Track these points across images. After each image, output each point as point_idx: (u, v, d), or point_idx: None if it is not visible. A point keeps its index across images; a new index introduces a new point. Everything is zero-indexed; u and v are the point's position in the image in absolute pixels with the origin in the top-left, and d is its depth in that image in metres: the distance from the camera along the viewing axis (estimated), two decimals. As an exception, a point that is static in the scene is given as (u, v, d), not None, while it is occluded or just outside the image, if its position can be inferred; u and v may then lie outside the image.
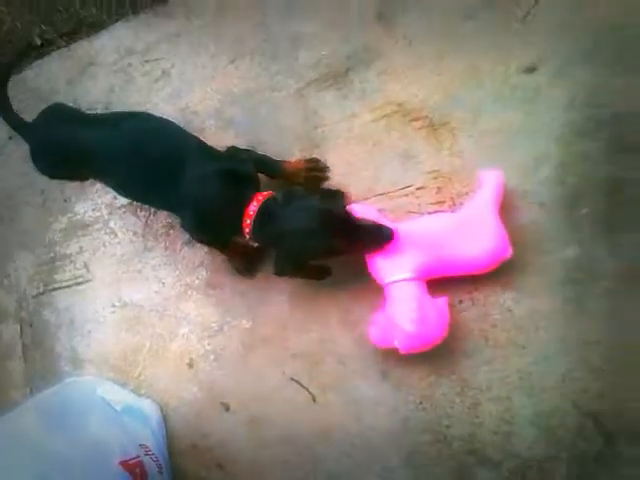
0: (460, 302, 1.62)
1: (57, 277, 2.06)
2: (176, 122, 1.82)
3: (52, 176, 1.91)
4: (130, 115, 1.76)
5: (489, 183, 1.59)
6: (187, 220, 1.69)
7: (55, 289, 2.06)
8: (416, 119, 1.74)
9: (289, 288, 1.78)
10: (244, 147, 1.82)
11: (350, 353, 1.70)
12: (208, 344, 1.84)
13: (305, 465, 1.71)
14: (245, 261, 1.83)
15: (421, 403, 1.61)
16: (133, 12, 2.23)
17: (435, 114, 1.74)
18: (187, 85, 2.02)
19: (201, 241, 1.82)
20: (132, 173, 1.67)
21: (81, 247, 2.04)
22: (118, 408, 1.80)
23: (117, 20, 2.24)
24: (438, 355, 1.61)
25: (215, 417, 1.80)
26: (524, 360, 1.56)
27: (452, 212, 1.66)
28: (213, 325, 1.85)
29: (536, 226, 1.60)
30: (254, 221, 1.56)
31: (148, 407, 1.84)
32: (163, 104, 2.04)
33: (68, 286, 2.04)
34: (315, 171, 1.82)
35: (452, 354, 1.61)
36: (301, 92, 1.88)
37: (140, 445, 1.71)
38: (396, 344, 1.54)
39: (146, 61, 2.09)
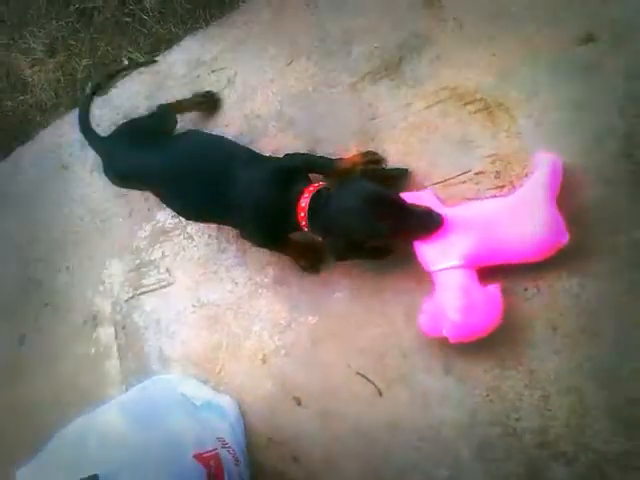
0: (525, 290, 1.53)
1: (144, 282, 2.18)
2: (242, 127, 1.91)
3: (121, 187, 2.07)
4: (180, 135, 1.87)
5: (544, 165, 1.49)
6: (245, 224, 1.74)
7: (143, 293, 2.18)
8: (471, 102, 1.68)
9: (351, 284, 1.77)
10: (303, 149, 1.85)
11: (413, 346, 1.66)
12: (278, 340, 1.87)
13: (376, 458, 1.69)
14: (309, 259, 1.83)
15: (488, 395, 1.54)
16: (205, 25, 2.35)
17: (490, 96, 1.66)
18: (250, 90, 2.07)
19: (263, 245, 1.83)
20: (186, 192, 1.75)
21: (163, 252, 2.15)
22: (198, 404, 1.87)
23: (187, 34, 2.34)
24: (502, 346, 1.55)
25: (288, 411, 1.83)
26: (595, 348, 1.45)
27: (504, 196, 1.56)
28: (282, 322, 1.88)
29: (602, 205, 1.49)
30: (308, 212, 1.59)
31: (227, 403, 1.90)
32: (230, 111, 2.10)
33: (153, 290, 2.16)
34: (371, 163, 1.78)
35: (517, 345, 1.53)
36: (355, 86, 1.87)
37: (217, 438, 1.76)
38: (444, 333, 1.49)
39: (213, 71, 2.16)
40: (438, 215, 1.50)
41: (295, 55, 2.01)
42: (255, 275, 1.95)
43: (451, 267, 1.49)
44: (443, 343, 1.58)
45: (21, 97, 2.86)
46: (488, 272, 1.51)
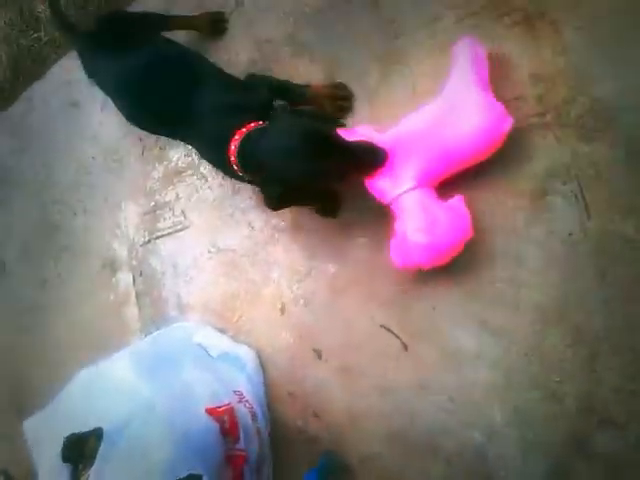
0: (570, 235, 1.28)
1: (159, 225, 2.01)
2: (252, 54, 1.69)
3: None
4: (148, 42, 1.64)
5: (464, 53, 1.35)
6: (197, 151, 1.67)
7: (158, 237, 2.01)
8: (508, 13, 1.40)
9: (374, 230, 1.54)
10: (320, 75, 1.62)
11: (443, 298, 1.45)
12: (297, 288, 1.69)
13: (402, 418, 1.50)
14: (324, 205, 1.61)
15: (526, 355, 1.33)
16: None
17: (531, 4, 1.37)
18: (260, 13, 1.81)
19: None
20: (146, 101, 1.58)
21: (177, 194, 1.95)
22: (214, 354, 1.74)
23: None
24: (544, 300, 1.31)
25: (308, 364, 1.66)
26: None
27: (431, 102, 1.39)
28: (301, 269, 1.69)
29: None
30: (237, 155, 1.40)
31: (245, 353, 1.74)
32: (239, 36, 1.84)
33: (169, 234, 1.98)
34: (339, 100, 1.58)
35: (561, 298, 1.29)
36: (377, 2, 1.58)
37: (234, 391, 1.63)
38: (416, 260, 1.33)
39: (219, -8, 1.93)
40: (380, 149, 1.37)
41: (309, -31, 1.76)
42: (272, 218, 1.74)
43: (406, 191, 1.36)
44: (478, 294, 1.39)
45: (34, 34, 2.65)
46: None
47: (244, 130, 1.41)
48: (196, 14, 1.91)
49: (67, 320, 2.26)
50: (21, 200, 2.48)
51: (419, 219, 1.33)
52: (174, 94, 1.53)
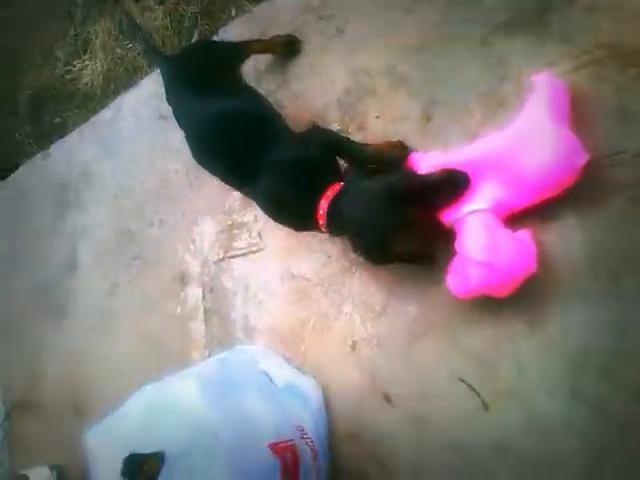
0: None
1: (235, 244, 1.92)
2: (347, 84, 1.61)
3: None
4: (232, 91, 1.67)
5: (540, 87, 1.28)
6: (266, 212, 1.62)
7: (233, 256, 1.93)
8: (636, 65, 1.24)
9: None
10: (416, 111, 1.51)
11: (533, 359, 1.29)
12: (371, 327, 1.56)
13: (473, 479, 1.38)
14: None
15: (624, 431, 1.16)
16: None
17: (665, 56, 1.24)
18: (360, 42, 1.70)
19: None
20: (218, 154, 1.60)
21: (256, 216, 1.86)
22: (279, 384, 1.62)
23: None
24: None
25: (376, 408, 1.52)
26: None
27: (505, 128, 1.31)
28: (377, 307, 1.56)
29: None
30: (327, 219, 1.40)
31: (310, 387, 1.62)
32: (335, 64, 1.75)
33: (244, 254, 1.89)
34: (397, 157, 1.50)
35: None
36: (486, 40, 1.46)
37: (296, 427, 1.51)
38: (472, 283, 1.26)
39: (320, 18, 1.80)
40: (461, 174, 1.31)
41: (416, 2, 1.61)
42: (350, 250, 1.58)
43: (474, 211, 1.30)
44: (572, 359, 1.23)
45: (129, 45, 2.66)
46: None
47: (329, 194, 1.41)
48: (269, 38, 1.89)
49: (133, 327, 2.20)
50: (99, 204, 2.46)
51: (482, 238, 1.26)
52: (243, 149, 1.54)
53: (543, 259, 1.27)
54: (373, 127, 1.65)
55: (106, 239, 2.40)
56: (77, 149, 2.68)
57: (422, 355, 1.47)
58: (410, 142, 1.56)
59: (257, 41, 1.90)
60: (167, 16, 2.53)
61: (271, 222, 1.80)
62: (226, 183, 1.73)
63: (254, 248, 1.88)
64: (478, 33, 1.48)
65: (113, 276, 2.33)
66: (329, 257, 1.69)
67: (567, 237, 1.29)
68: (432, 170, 1.38)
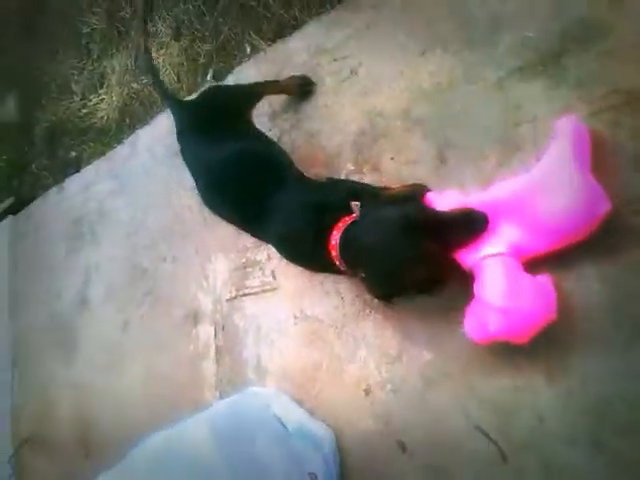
0: None
1: (247, 283, 1.90)
2: (362, 125, 1.61)
3: None
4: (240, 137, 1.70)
5: (564, 132, 1.26)
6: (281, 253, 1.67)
7: (245, 295, 1.91)
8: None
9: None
10: (431, 153, 1.51)
11: (552, 410, 1.25)
12: (386, 372, 1.53)
13: (490, 532, 1.35)
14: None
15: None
16: (331, 8, 1.98)
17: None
18: (374, 83, 1.71)
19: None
20: (228, 198, 1.63)
21: (269, 255, 1.84)
22: (290, 429, 1.57)
23: (311, 19, 2.00)
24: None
25: (391, 456, 1.48)
26: None
27: (528, 173, 1.29)
28: (391, 351, 1.52)
29: None
30: (339, 250, 1.39)
31: (322, 432, 1.58)
32: (349, 106, 1.75)
33: (256, 293, 1.87)
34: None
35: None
36: (501, 84, 1.45)
37: (308, 474, 1.46)
38: (491, 329, 1.23)
39: (334, 60, 1.81)
40: (480, 214, 1.29)
41: (430, 44, 1.62)
42: (364, 292, 1.59)
43: (493, 254, 1.27)
44: (593, 411, 1.20)
45: (145, 80, 2.69)
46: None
47: (341, 225, 1.41)
48: (283, 79, 1.92)
49: (144, 364, 2.19)
50: (113, 240, 2.47)
51: (502, 283, 1.23)
52: (254, 193, 1.56)
53: (562, 306, 1.24)
54: (387, 168, 1.65)
55: (119, 275, 2.40)
56: (92, 184, 2.71)
57: (437, 402, 1.43)
58: (425, 178, 1.55)
59: (272, 82, 1.92)
60: (183, 53, 2.57)
61: (284, 261, 1.81)
62: (238, 227, 1.78)
63: (267, 287, 1.86)
64: (493, 77, 1.48)
65: (125, 312, 2.32)
66: (342, 299, 1.66)
67: (586, 285, 1.26)
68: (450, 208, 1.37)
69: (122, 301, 2.36)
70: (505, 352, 1.32)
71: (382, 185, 1.60)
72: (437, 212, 1.35)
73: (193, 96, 2.34)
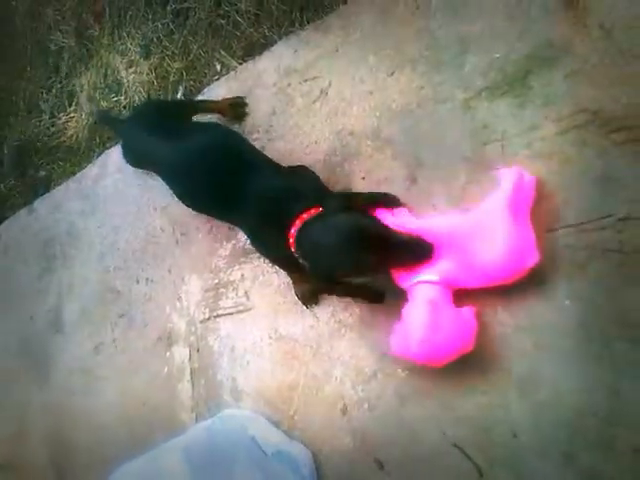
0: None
1: (221, 304, 1.88)
2: (332, 144, 1.63)
3: (137, 167, 2.02)
4: (201, 129, 1.74)
5: (506, 182, 1.31)
6: (247, 234, 1.64)
7: (219, 315, 1.88)
8: (617, 130, 1.26)
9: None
10: (402, 172, 1.52)
11: (527, 425, 1.27)
12: (362, 390, 1.52)
13: None
14: (310, 288, 1.61)
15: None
16: (301, 28, 2.00)
17: (645, 123, 1.27)
18: (345, 104, 1.71)
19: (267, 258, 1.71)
20: (197, 186, 1.60)
21: (242, 274, 1.83)
22: (269, 452, 1.56)
23: (281, 38, 2.00)
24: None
25: (369, 475, 1.48)
26: None
27: (470, 211, 1.36)
28: (367, 370, 1.53)
29: None
30: (295, 239, 1.41)
31: (300, 453, 1.57)
32: (320, 125, 1.75)
33: (230, 314, 1.85)
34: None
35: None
36: (469, 103, 1.47)
37: (288, 498, 1.52)
38: (411, 353, 1.33)
39: (305, 80, 1.81)
40: (427, 244, 1.34)
41: (399, 65, 1.63)
42: (339, 312, 1.60)
43: (425, 281, 1.34)
44: (565, 424, 1.21)
45: (115, 98, 2.64)
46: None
47: (305, 216, 1.42)
48: (219, 100, 1.99)
49: (118, 387, 2.14)
50: (85, 261, 2.41)
51: (426, 314, 1.30)
52: (226, 178, 1.54)
53: (531, 323, 1.27)
54: (358, 188, 1.65)
55: (92, 297, 2.34)
56: (62, 204, 2.65)
57: (413, 419, 1.43)
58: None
59: (209, 101, 1.99)
60: (152, 71, 2.53)
61: (259, 281, 1.81)
62: (213, 216, 1.78)
63: (241, 307, 1.84)
64: (461, 97, 1.50)
65: (98, 334, 2.27)
66: (317, 318, 1.66)
67: (557, 301, 1.27)
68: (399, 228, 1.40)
69: (95, 323, 2.30)
70: (479, 368, 1.33)
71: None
72: (388, 230, 1.37)
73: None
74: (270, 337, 1.75)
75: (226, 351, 1.85)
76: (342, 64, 1.75)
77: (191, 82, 2.37)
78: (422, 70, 1.58)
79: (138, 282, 2.16)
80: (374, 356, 1.53)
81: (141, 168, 2.02)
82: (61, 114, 2.97)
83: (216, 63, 2.31)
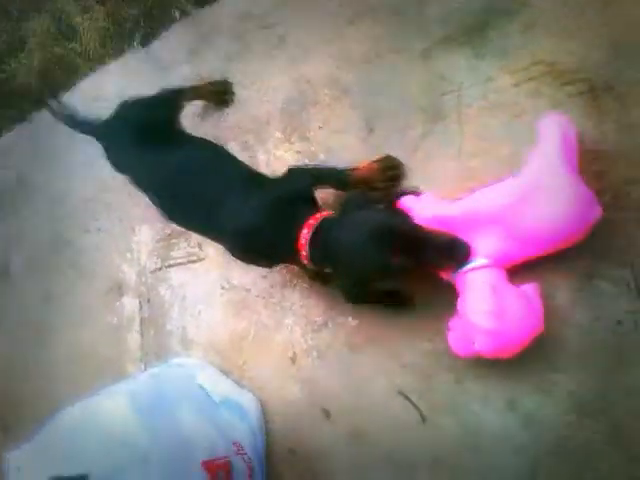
0: (618, 323, 1.12)
1: (173, 254, 1.83)
2: (290, 92, 1.58)
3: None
4: (185, 141, 1.56)
5: (552, 132, 1.16)
6: (231, 251, 1.46)
7: (170, 266, 1.84)
8: (571, 82, 1.25)
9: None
10: (359, 122, 1.48)
11: (470, 372, 1.27)
12: (311, 339, 1.51)
13: (410, 493, 1.36)
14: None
15: (559, 447, 1.15)
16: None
17: (597, 76, 1.23)
18: (303, 52, 1.67)
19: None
20: (177, 201, 1.47)
21: (195, 224, 1.86)
22: (217, 399, 1.53)
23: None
24: (587, 387, 1.15)
25: (315, 424, 1.47)
26: None
27: (514, 177, 1.19)
28: (317, 319, 1.51)
29: None
30: (308, 247, 1.26)
31: (248, 401, 1.55)
32: (278, 74, 1.70)
33: (182, 264, 1.81)
34: (390, 170, 1.40)
35: (610, 390, 1.14)
36: (427, 53, 1.45)
37: (233, 443, 1.43)
38: (477, 347, 1.13)
39: (263, 27, 1.75)
40: (464, 244, 1.18)
41: (358, 14, 1.59)
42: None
43: (476, 268, 1.18)
44: (508, 372, 1.21)
45: (69, 45, 2.53)
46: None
47: (312, 222, 1.28)
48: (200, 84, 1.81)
49: (66, 338, 2.07)
50: (35, 209, 2.31)
51: (488, 301, 1.14)
52: (208, 195, 1.40)
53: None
54: (316, 137, 1.61)
55: (41, 246, 2.25)
56: (12, 152, 2.53)
57: (361, 368, 1.43)
58: (352, 153, 1.51)
59: (190, 90, 1.77)
60: (108, 17, 2.41)
61: (211, 231, 1.79)
62: (195, 232, 1.64)
63: (193, 258, 1.79)
64: (419, 47, 1.47)
65: (47, 285, 2.19)
66: (270, 269, 1.63)
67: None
68: (427, 218, 1.24)
69: (44, 273, 2.22)
70: (425, 317, 1.32)
71: (351, 165, 1.45)
72: (420, 230, 1.21)
73: (117, 68, 2.26)
74: (222, 287, 1.71)
75: (177, 301, 1.81)
76: (301, 11, 1.71)
77: (148, 29, 2.28)
78: (382, 19, 1.54)
79: (88, 231, 2.09)
80: (324, 306, 1.51)
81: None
82: (11, 60, 2.82)
83: (173, 9, 2.22)
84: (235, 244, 1.44)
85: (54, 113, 1.85)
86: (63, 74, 2.50)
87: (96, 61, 2.40)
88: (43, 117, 2.41)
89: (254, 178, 1.45)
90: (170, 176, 1.48)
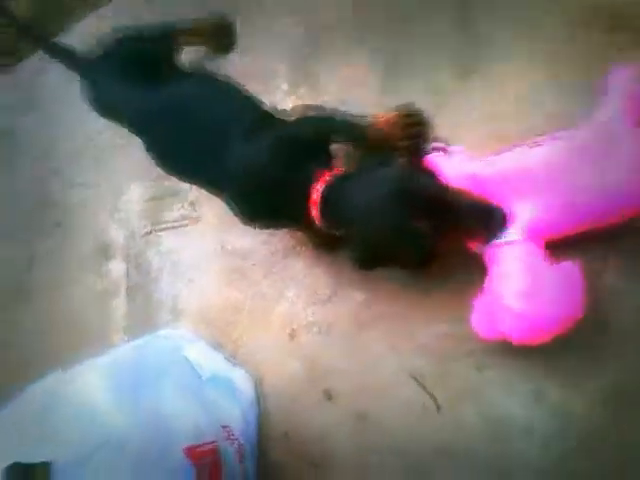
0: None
1: (165, 216, 1.67)
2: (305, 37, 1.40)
3: (103, 117, 1.55)
4: (181, 76, 1.40)
5: (618, 86, 1.03)
6: (233, 203, 1.28)
7: (162, 229, 1.67)
8: (621, 29, 1.10)
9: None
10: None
11: (492, 359, 1.13)
12: (314, 313, 1.36)
13: (417, 484, 1.23)
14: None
15: (589, 442, 1.03)
16: None
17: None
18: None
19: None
20: (174, 146, 1.30)
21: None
22: (204, 376, 1.37)
23: None
24: (620, 376, 1.03)
25: (314, 405, 1.32)
26: None
27: (566, 137, 1.04)
28: (321, 292, 1.36)
29: None
30: (320, 205, 1.12)
31: (241, 379, 1.39)
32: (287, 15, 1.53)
33: (174, 227, 1.65)
34: (413, 127, 1.20)
35: None
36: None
37: (222, 427, 1.27)
38: (504, 330, 0.99)
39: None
40: (500, 211, 1.01)
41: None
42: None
43: (509, 242, 1.03)
44: (536, 360, 1.08)
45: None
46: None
47: (326, 177, 1.14)
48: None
49: (48, 302, 1.88)
50: (17, 164, 2.11)
51: (521, 281, 1.00)
52: (211, 134, 1.24)
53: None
54: (327, 88, 1.45)
55: (24, 203, 2.06)
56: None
57: (368, 347, 1.28)
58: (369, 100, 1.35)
59: (188, 31, 1.58)
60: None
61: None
62: (201, 187, 1.44)
63: (186, 221, 1.64)
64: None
65: (31, 246, 2.00)
66: (272, 234, 1.47)
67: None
68: (457, 177, 1.09)
69: (30, 234, 2.03)
70: (445, 294, 1.18)
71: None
72: (448, 191, 1.05)
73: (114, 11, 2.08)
74: (217, 253, 1.56)
75: (167, 267, 1.65)
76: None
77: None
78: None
79: (74, 187, 1.91)
80: (330, 277, 1.36)
81: (111, 120, 1.56)
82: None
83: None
84: (239, 190, 1.25)
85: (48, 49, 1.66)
86: (56, 16, 2.32)
87: (91, 2, 2.22)
88: (31, 64, 2.23)
89: (265, 119, 1.27)
90: (166, 114, 1.30)
